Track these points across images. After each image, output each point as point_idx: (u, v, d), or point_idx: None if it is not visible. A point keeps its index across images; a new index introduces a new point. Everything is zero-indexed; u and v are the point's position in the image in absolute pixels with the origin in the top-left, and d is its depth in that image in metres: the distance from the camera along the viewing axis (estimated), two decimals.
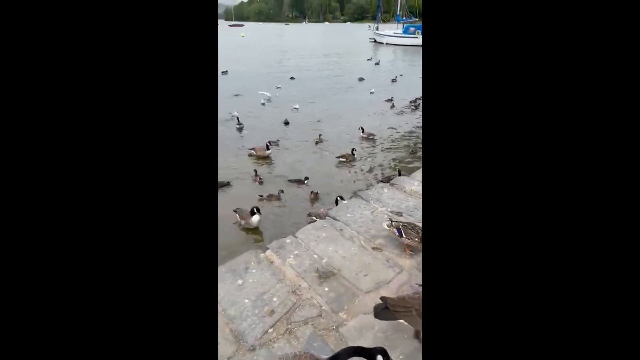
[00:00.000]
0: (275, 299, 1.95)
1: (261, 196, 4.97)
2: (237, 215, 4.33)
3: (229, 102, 10.48)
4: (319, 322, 1.84)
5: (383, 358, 1.27)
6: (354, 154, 6.29)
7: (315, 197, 4.92)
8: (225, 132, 7.91)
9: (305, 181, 5.37)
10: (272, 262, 2.28)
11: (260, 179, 5.58)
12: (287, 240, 2.53)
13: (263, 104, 10.43)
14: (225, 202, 4.87)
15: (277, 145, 6.88)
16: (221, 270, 2.15)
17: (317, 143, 7.28)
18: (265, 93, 10.82)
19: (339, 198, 4.44)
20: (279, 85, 12.99)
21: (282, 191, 5.02)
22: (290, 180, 5.44)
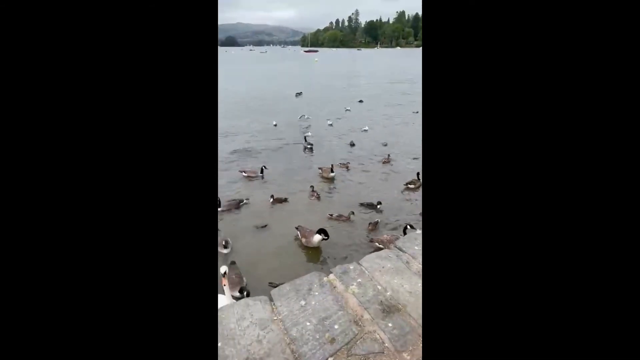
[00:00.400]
0: (336, 327, 1.90)
1: (331, 215, 5.01)
2: (298, 232, 4.42)
3: (300, 123, 11.01)
4: (380, 359, 1.74)
5: None
6: (419, 179, 6.04)
7: (373, 228, 4.66)
8: (296, 150, 8.29)
9: (378, 206, 5.22)
10: (334, 287, 2.26)
11: (317, 194, 5.68)
12: (351, 267, 2.48)
13: (331, 124, 10.73)
14: (284, 217, 5.04)
15: (347, 168, 6.93)
16: (286, 287, 2.19)
17: (384, 162, 7.23)
18: (306, 115, 11.06)
19: (408, 226, 4.25)
20: (348, 108, 13.29)
21: (353, 213, 4.98)
22: (362, 204, 5.35)
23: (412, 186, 5.99)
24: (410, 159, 7.66)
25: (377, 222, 4.73)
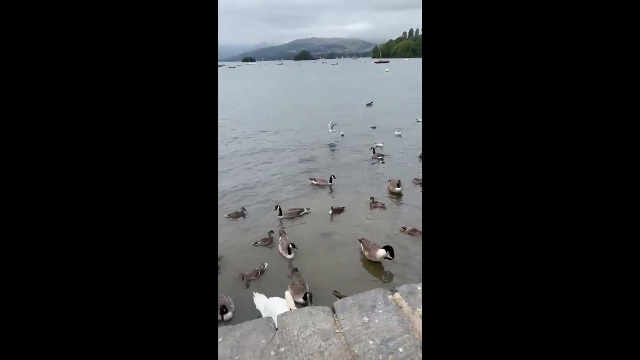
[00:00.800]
0: (401, 350, 1.80)
1: (404, 228, 4.87)
2: (361, 245, 4.36)
3: (368, 134, 10.96)
4: None
5: None
6: None
7: None
8: (365, 161, 8.26)
9: None
10: (400, 307, 2.14)
11: (380, 204, 5.56)
12: (419, 287, 2.33)
13: (399, 135, 10.43)
14: (346, 228, 5.00)
15: (419, 184, 6.62)
16: (349, 301, 2.16)
17: None
18: (330, 129, 10.72)
19: None
20: (419, 119, 12.81)
21: None
22: None
23: None
24: None
25: None
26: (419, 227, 4.76)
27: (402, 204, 5.86)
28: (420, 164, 7.96)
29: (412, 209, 5.58)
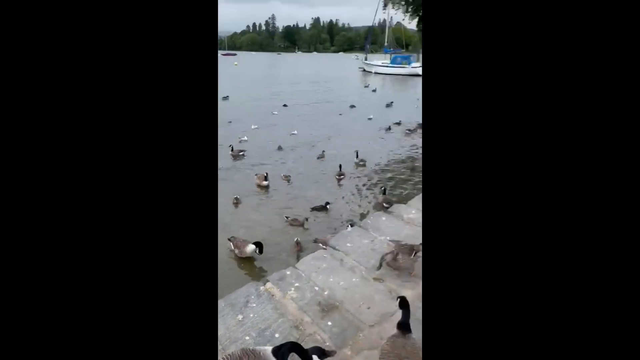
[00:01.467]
0: (277, 335, 1.88)
1: (287, 217, 4.97)
2: (231, 243, 4.24)
3: (225, 128, 10.58)
4: None
5: (319, 358, 1.42)
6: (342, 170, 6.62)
7: (299, 248, 4.23)
8: (226, 157, 7.92)
9: (327, 206, 5.35)
10: (272, 295, 2.22)
11: (236, 200, 5.63)
12: (287, 272, 2.48)
13: (256, 128, 10.55)
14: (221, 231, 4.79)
15: (289, 181, 6.64)
16: (220, 304, 2.08)
17: (319, 158, 7.85)
18: None
19: (349, 226, 4.19)
20: (275, 112, 13.24)
21: (307, 219, 4.95)
22: (313, 208, 5.33)
23: (341, 177, 6.40)
24: (347, 149, 8.05)
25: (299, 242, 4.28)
26: (300, 218, 4.93)
27: (271, 197, 5.99)
28: (280, 155, 8.29)
29: (283, 201, 5.76)
